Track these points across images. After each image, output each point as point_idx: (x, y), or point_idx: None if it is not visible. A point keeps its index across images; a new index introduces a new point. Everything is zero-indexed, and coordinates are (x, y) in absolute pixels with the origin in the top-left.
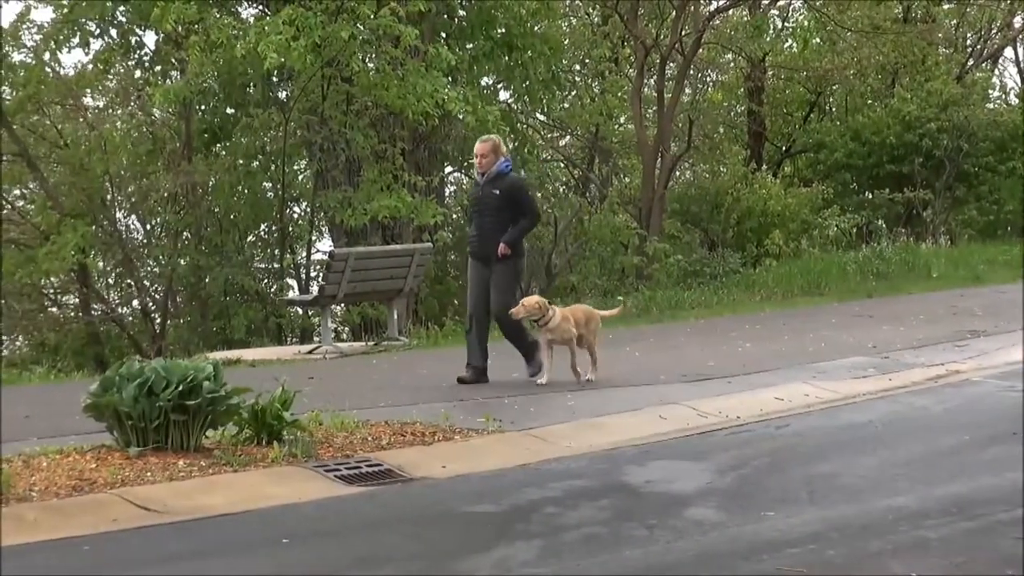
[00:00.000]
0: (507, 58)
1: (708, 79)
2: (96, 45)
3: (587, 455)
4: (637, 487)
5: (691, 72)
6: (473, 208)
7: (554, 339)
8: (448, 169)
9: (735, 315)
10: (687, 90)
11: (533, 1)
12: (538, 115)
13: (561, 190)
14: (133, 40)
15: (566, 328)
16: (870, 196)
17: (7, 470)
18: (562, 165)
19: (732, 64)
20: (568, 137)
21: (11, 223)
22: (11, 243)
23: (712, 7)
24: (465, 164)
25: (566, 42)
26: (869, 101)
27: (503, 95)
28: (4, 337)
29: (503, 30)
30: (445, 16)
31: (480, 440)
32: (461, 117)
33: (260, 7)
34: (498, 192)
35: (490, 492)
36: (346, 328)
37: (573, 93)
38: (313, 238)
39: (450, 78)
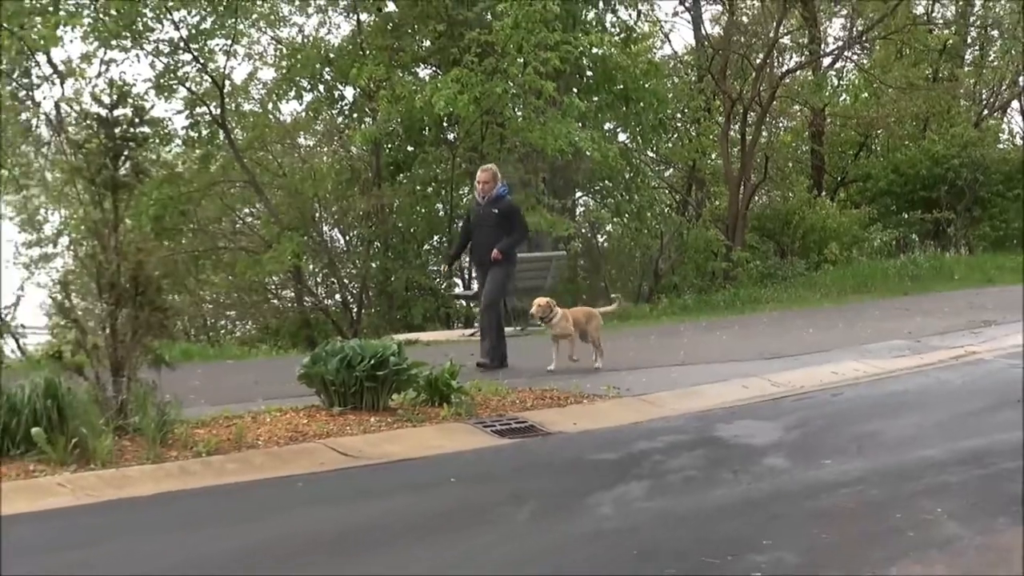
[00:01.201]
0: (624, 108)
1: (780, 124)
2: (308, 97)
3: (685, 415)
4: (725, 440)
5: (767, 119)
6: (474, 224)
7: (557, 334)
8: (578, 194)
9: (800, 308)
10: (763, 133)
11: (644, 64)
12: (648, 152)
13: (665, 210)
14: (336, 93)
15: (565, 325)
16: (906, 216)
17: (240, 423)
18: (666, 191)
19: (799, 113)
20: (671, 169)
21: (242, 234)
22: (243, 250)
23: (783, 69)
24: (592, 190)
25: (670, 95)
26: (906, 142)
27: (621, 136)
28: (238, 322)
29: (621, 86)
30: (576, 75)
31: (603, 403)
32: (588, 153)
33: (434, 68)
34: (496, 211)
35: (610, 444)
36: None
37: (675, 135)
38: None
39: (580, 123)
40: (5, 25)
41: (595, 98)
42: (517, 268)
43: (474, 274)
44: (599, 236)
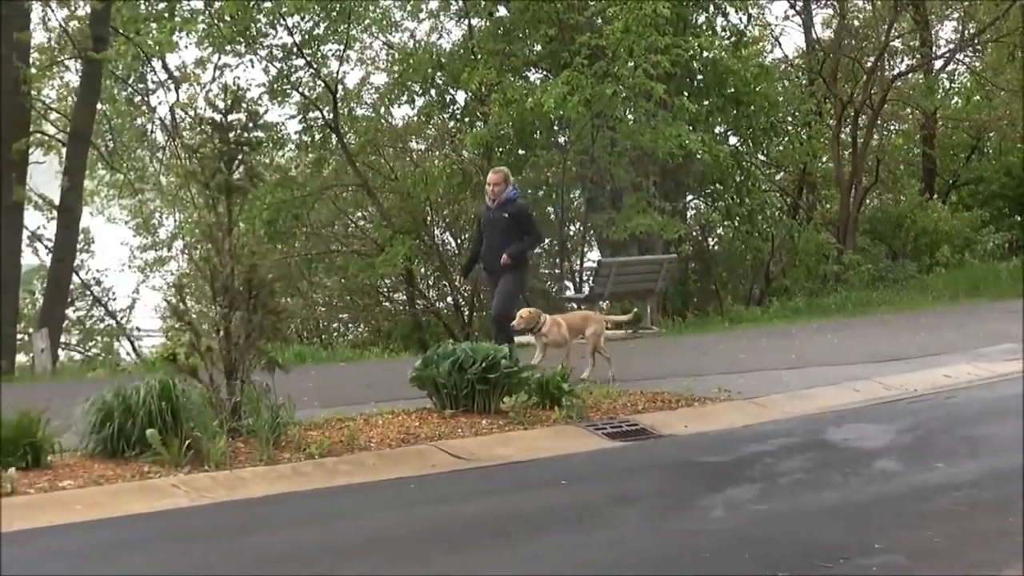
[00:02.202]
0: (735, 111)
1: (891, 127)
2: (419, 102)
3: (796, 418)
4: (835, 443)
5: (878, 122)
6: (484, 229)
7: (548, 342)
8: (689, 197)
9: (912, 311)
10: (875, 136)
11: (755, 68)
12: (759, 155)
13: (776, 213)
14: (447, 98)
15: (558, 333)
16: (1019, 219)
17: (352, 425)
18: (777, 194)
19: (910, 116)
20: (782, 172)
21: (354, 237)
22: (355, 253)
23: (895, 72)
24: (703, 193)
25: (780, 99)
26: (1018, 145)
27: (732, 139)
28: (350, 324)
29: (732, 89)
30: (687, 78)
31: (714, 406)
32: (700, 156)
33: (545, 72)
34: (507, 215)
35: (721, 446)
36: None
37: (786, 138)
38: (585, 249)
39: (691, 126)
40: (121, 31)
41: (706, 101)
42: (625, 271)
43: (488, 287)
44: (710, 239)
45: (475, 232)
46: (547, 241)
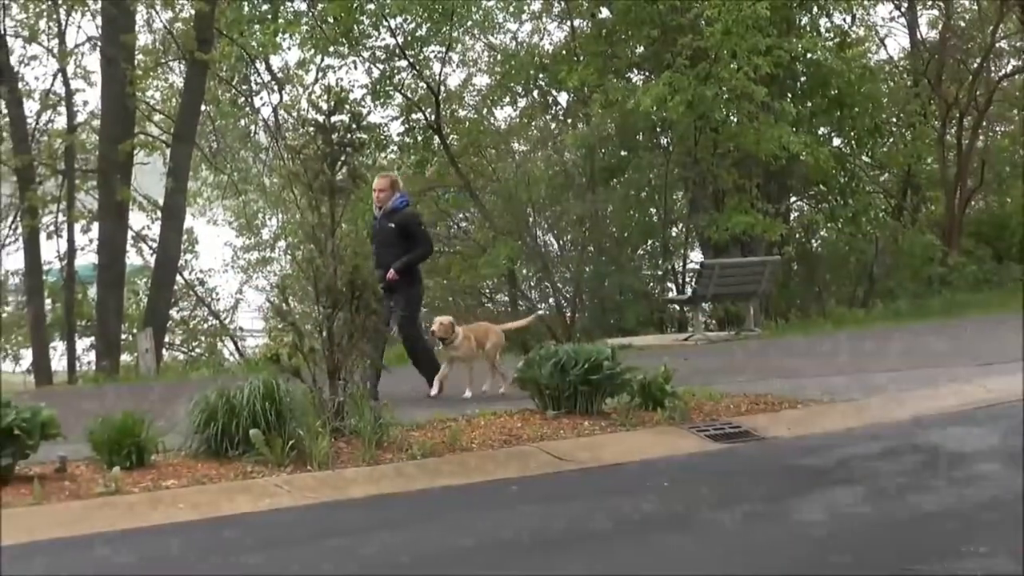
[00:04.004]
0: (839, 112)
1: (997, 129)
2: (521, 103)
3: (899, 421)
4: (938, 446)
5: (984, 124)
6: (373, 241)
7: (458, 356)
8: (792, 198)
9: (1017, 315)
10: (980, 137)
11: (859, 69)
12: (863, 157)
13: (880, 215)
14: (549, 99)
15: (468, 348)
16: None
17: (454, 426)
18: (881, 196)
19: (1016, 117)
20: (886, 174)
21: (457, 239)
22: (458, 253)
23: (1001, 73)
24: (807, 194)
25: (885, 100)
26: None
27: (835, 141)
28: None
29: (836, 90)
30: (789, 79)
31: (816, 408)
32: (803, 157)
33: (646, 73)
34: (393, 225)
35: (823, 449)
36: (712, 321)
37: (890, 140)
38: (687, 251)
39: (794, 127)
40: (225, 32)
41: (809, 103)
42: (728, 272)
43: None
44: (813, 241)
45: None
46: (649, 242)
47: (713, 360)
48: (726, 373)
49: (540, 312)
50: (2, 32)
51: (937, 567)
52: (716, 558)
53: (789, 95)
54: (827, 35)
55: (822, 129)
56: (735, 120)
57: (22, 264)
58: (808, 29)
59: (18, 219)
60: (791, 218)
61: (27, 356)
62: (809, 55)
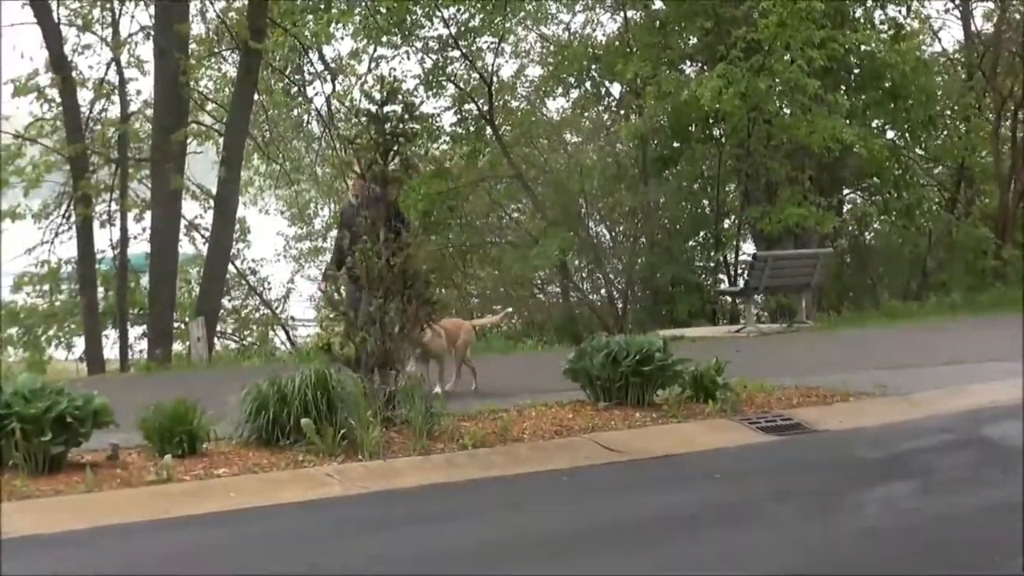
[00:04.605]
0: (892, 105)
1: None
2: (574, 94)
3: (952, 415)
4: (993, 440)
5: None
6: (349, 232)
7: (427, 351)
8: (846, 191)
9: None
10: None
11: (913, 61)
12: (917, 149)
13: (934, 208)
14: (602, 90)
15: (437, 342)
16: None
17: (506, 417)
18: (935, 188)
19: None
20: (940, 167)
21: (509, 229)
22: (510, 244)
23: None
24: (860, 187)
25: (939, 92)
26: None
27: (889, 133)
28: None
29: (889, 83)
30: (843, 72)
31: (869, 401)
32: (856, 149)
33: (700, 65)
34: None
35: (876, 442)
36: (765, 313)
37: (944, 132)
38: (740, 242)
39: (847, 119)
40: (278, 22)
41: (863, 95)
42: (781, 264)
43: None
44: (866, 233)
45: (338, 236)
46: (701, 234)
47: (765, 352)
48: (778, 365)
49: (510, 310)
50: (56, 21)
51: (992, 562)
52: (767, 551)
53: (843, 87)
54: (881, 27)
55: (876, 121)
56: (788, 112)
57: (75, 253)
58: (862, 21)
59: (71, 208)
60: (844, 211)
61: (80, 344)
62: (863, 47)
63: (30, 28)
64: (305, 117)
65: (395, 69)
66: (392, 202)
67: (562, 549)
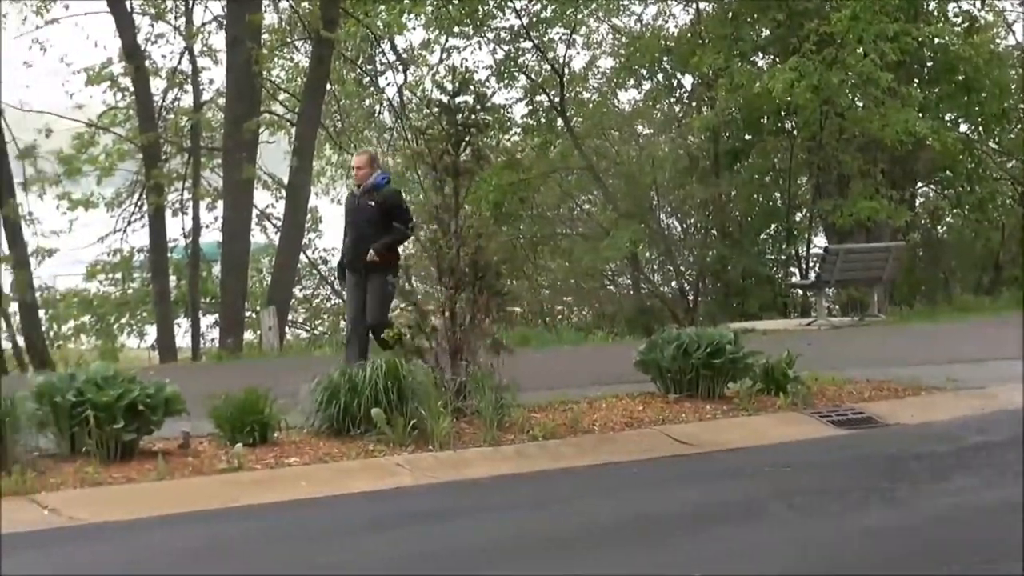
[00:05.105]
0: (966, 98)
1: None
2: (646, 86)
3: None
4: None
5: None
6: (348, 219)
7: None
8: (918, 185)
9: None
10: None
11: (987, 54)
12: (991, 143)
13: (1007, 202)
14: (674, 82)
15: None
16: None
17: (576, 408)
18: (1009, 182)
19: None
20: (1014, 161)
21: (580, 221)
22: (581, 236)
23: None
24: (933, 180)
25: (1013, 86)
26: None
27: (963, 127)
28: (575, 308)
29: (963, 76)
30: (916, 65)
31: (940, 396)
32: (929, 142)
33: (772, 58)
34: (374, 204)
35: (947, 436)
36: (836, 306)
37: (1018, 126)
38: (811, 236)
39: (920, 112)
40: (351, 12)
41: (935, 88)
42: (853, 258)
43: (347, 286)
44: (939, 227)
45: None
46: (773, 227)
47: (836, 346)
48: (849, 359)
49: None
50: (130, 10)
51: None
52: (840, 545)
53: (916, 80)
54: (955, 20)
55: (949, 115)
56: (861, 105)
57: (147, 241)
58: (936, 15)
59: (144, 196)
60: (916, 204)
61: (151, 332)
62: (937, 40)
63: (104, 17)
64: (377, 107)
65: (467, 60)
66: (396, 191)
67: (630, 541)
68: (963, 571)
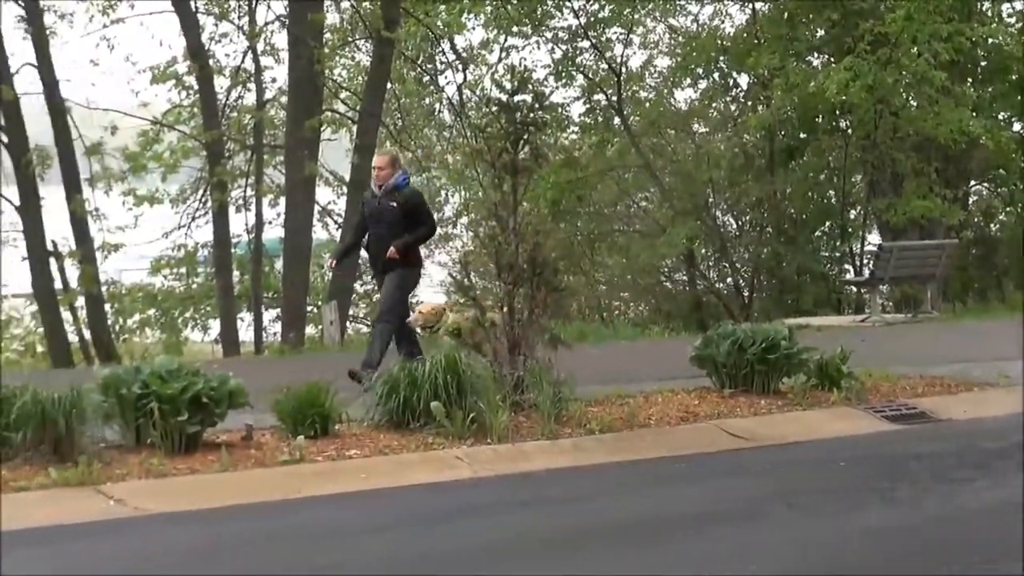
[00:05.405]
0: (1019, 97)
1: None
2: (702, 85)
3: None
4: None
5: None
6: (370, 220)
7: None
8: (972, 183)
9: None
10: None
11: None
12: None
13: None
14: (730, 81)
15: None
16: None
17: (632, 403)
18: None
19: None
20: None
21: (637, 218)
22: (637, 233)
23: None
24: (988, 178)
25: None
26: None
27: (1016, 126)
28: (631, 303)
29: (1017, 75)
30: (969, 64)
31: (993, 392)
32: (983, 141)
33: (827, 57)
34: (395, 204)
35: (1000, 432)
36: (889, 303)
37: None
38: (865, 233)
39: (974, 112)
40: (411, 12)
41: (989, 88)
42: (906, 255)
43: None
44: (992, 225)
45: (357, 220)
46: (827, 224)
47: (889, 342)
48: (902, 355)
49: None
50: (194, 10)
51: None
52: (897, 537)
53: (969, 80)
54: (1009, 20)
55: (1002, 114)
56: (915, 104)
57: (211, 237)
58: (990, 15)
59: (208, 193)
60: (969, 202)
61: (215, 326)
62: (990, 40)
63: (169, 17)
64: (437, 105)
65: (525, 59)
66: (417, 192)
67: (687, 532)
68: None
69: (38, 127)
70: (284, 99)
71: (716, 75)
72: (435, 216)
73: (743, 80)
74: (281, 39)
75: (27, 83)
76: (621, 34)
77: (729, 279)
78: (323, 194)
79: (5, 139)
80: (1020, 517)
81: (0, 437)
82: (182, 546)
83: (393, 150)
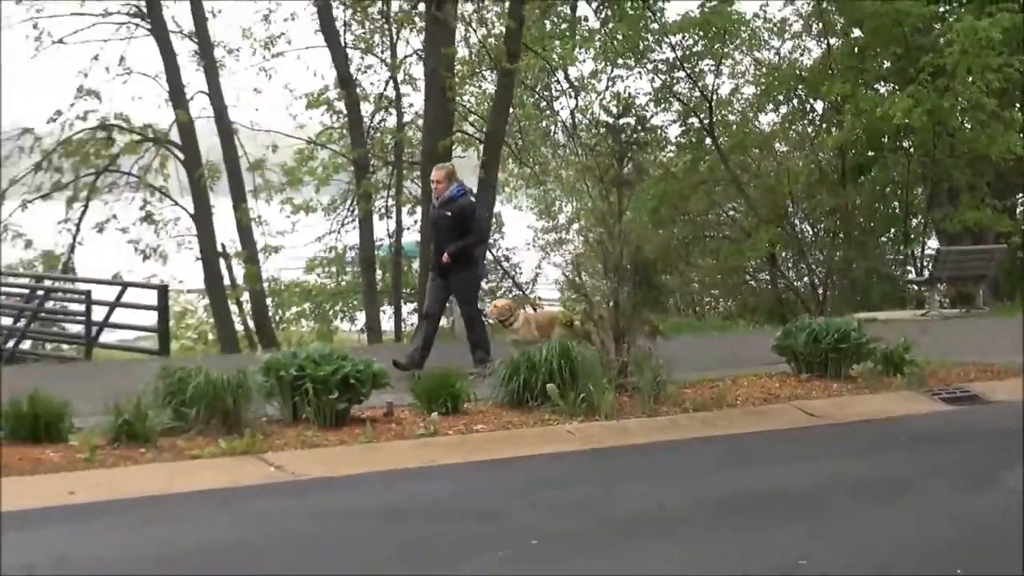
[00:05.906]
0: None
1: None
2: (783, 110)
3: None
4: None
5: None
6: (432, 227)
7: (518, 340)
8: (1019, 195)
9: None
10: None
11: None
12: None
13: None
14: (807, 106)
15: (528, 332)
16: None
17: (721, 386)
18: None
19: None
20: None
21: (725, 225)
22: (726, 238)
23: None
24: None
25: None
26: None
27: None
28: (721, 300)
29: None
30: (1018, 92)
31: None
32: None
33: (893, 86)
34: (450, 214)
35: None
36: (946, 300)
37: None
38: (925, 239)
39: (1021, 133)
40: (531, 47)
41: None
42: (961, 258)
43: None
44: None
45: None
46: (892, 231)
47: (946, 334)
48: (957, 345)
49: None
50: (344, 45)
51: None
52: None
53: (1017, 105)
54: None
55: None
56: (969, 127)
57: (358, 240)
58: None
59: (355, 203)
60: (1017, 212)
61: (361, 318)
62: None
63: (321, 51)
64: (552, 127)
65: (629, 87)
66: (469, 203)
67: (771, 508)
68: None
69: (209, 146)
70: (420, 122)
71: (795, 101)
72: (485, 227)
73: (819, 106)
74: (418, 70)
75: (200, 108)
76: (712, 66)
77: (806, 279)
78: None
79: (182, 156)
80: None
81: (178, 412)
82: (337, 507)
83: (449, 165)
